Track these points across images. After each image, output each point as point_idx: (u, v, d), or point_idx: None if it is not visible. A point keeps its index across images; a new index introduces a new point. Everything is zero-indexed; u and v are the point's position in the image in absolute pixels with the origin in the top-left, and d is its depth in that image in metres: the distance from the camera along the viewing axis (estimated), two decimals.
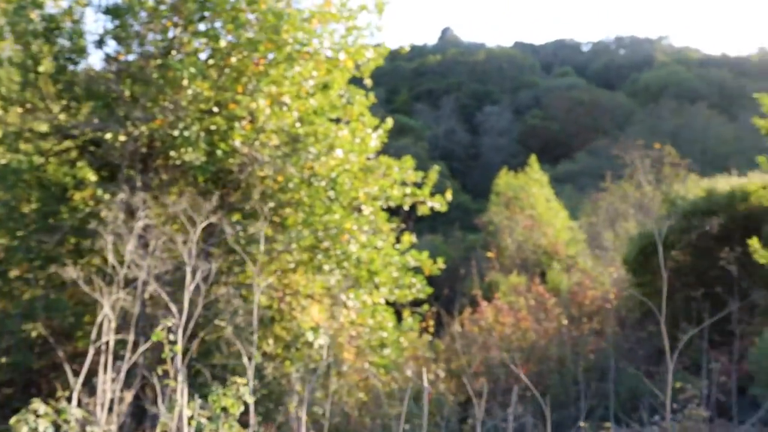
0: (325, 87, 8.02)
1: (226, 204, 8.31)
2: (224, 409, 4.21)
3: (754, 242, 8.57)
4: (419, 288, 10.12)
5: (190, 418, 4.19)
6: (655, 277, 11.90)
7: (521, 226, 22.08)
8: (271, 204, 8.78)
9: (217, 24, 7.19)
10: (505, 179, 25.32)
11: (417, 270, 9.83)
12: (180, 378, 4.33)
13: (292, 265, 9.51)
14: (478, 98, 60.65)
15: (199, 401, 4.28)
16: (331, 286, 9.63)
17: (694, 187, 12.73)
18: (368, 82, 9.35)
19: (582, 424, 7.34)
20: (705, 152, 38.65)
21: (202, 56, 7.50)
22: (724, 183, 11.96)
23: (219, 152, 7.80)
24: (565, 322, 12.82)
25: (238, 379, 4.37)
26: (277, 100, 7.77)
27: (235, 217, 8.58)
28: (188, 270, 5.10)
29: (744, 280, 10.08)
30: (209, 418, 4.18)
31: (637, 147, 15.59)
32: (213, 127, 7.80)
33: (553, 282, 16.12)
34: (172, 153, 7.40)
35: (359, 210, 9.61)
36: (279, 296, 9.44)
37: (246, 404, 4.40)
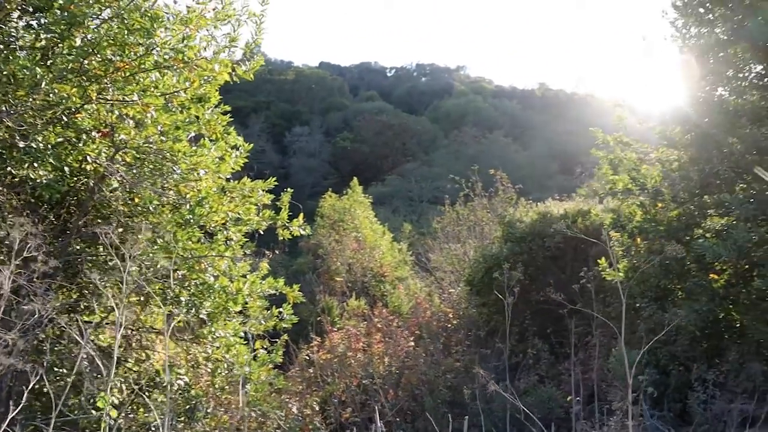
0: (200, 100, 7.20)
1: (75, 229, 7.11)
2: None
3: (603, 262, 9.20)
4: (286, 317, 9.49)
5: None
6: (498, 297, 12.40)
7: (350, 249, 22.11)
8: (120, 229, 7.67)
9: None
10: (330, 201, 25.27)
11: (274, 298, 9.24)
12: None
13: (141, 298, 8.39)
14: (287, 118, 60.53)
15: None
16: (188, 319, 8.66)
17: (528, 211, 13.61)
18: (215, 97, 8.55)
19: None
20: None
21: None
22: (558, 206, 12.87)
23: (67, 169, 6.65)
24: (411, 343, 12.91)
25: None
26: (143, 112, 6.81)
27: (80, 244, 7.40)
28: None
29: (582, 297, 10.82)
30: None
31: (473, 172, 16.30)
32: (60, 140, 6.63)
33: (393, 304, 16.24)
34: (10, 169, 6.14)
35: (212, 235, 8.78)
36: (127, 334, 8.32)
37: None
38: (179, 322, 8.83)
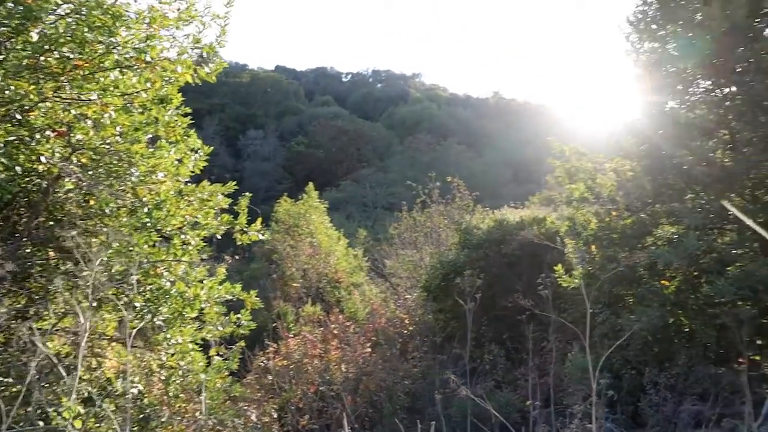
0: (162, 102, 7.06)
1: (26, 232, 6.90)
2: None
3: (559, 268, 9.38)
4: (244, 324, 9.37)
5: None
6: (456, 303, 12.51)
7: (305, 254, 21.98)
8: (74, 232, 7.45)
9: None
10: (285, 206, 25.06)
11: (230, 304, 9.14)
12: None
13: (94, 304, 8.16)
14: (241, 121, 59.88)
15: None
16: (143, 325, 8.47)
17: (484, 218, 13.78)
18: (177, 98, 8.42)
19: None
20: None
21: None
22: (514, 214, 13.07)
23: (19, 168, 6.46)
24: (368, 349, 12.91)
25: None
26: (102, 112, 6.66)
27: (31, 247, 7.20)
28: None
29: (538, 303, 11.00)
30: None
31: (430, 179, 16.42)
32: (12, 138, 6.43)
33: (349, 310, 16.20)
34: None
35: (169, 239, 8.61)
36: (78, 340, 8.09)
37: None
38: (132, 328, 8.63)
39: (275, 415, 9.23)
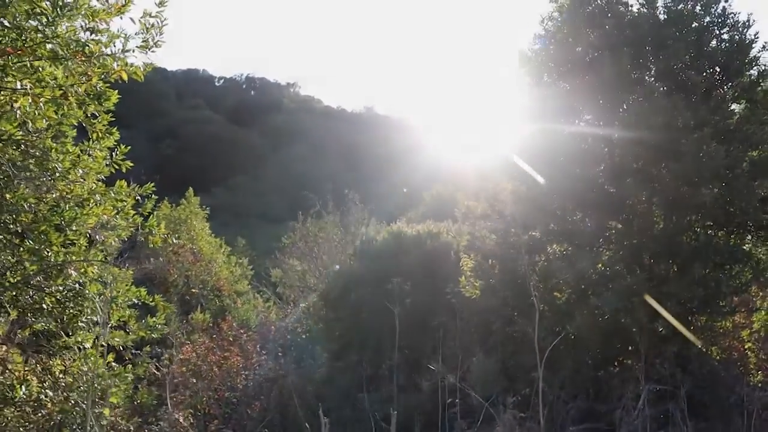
0: (98, 97, 6.96)
1: None
2: None
3: (463, 280, 10.14)
4: (159, 327, 9.32)
5: None
6: (352, 311, 12.96)
7: (188, 261, 21.48)
8: None
9: None
10: (165, 211, 24.30)
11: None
12: None
13: None
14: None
15: None
16: (49, 328, 8.24)
17: (380, 231, 14.37)
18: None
19: None
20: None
21: None
22: (410, 227, 13.77)
23: None
24: (264, 356, 13.04)
25: None
26: (34, 103, 6.52)
27: None
28: None
29: (438, 312, 11.72)
30: None
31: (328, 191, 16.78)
32: None
33: (241, 318, 16.13)
34: None
35: (91, 240, 8.46)
36: None
37: None
38: (26, 331, 8.29)
39: (190, 421, 9.18)
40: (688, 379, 8.90)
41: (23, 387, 7.07)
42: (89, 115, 8.17)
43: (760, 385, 9.72)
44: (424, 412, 10.00)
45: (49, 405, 7.53)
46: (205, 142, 53.96)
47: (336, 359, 12.80)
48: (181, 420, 8.61)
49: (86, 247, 8.58)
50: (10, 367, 8.12)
